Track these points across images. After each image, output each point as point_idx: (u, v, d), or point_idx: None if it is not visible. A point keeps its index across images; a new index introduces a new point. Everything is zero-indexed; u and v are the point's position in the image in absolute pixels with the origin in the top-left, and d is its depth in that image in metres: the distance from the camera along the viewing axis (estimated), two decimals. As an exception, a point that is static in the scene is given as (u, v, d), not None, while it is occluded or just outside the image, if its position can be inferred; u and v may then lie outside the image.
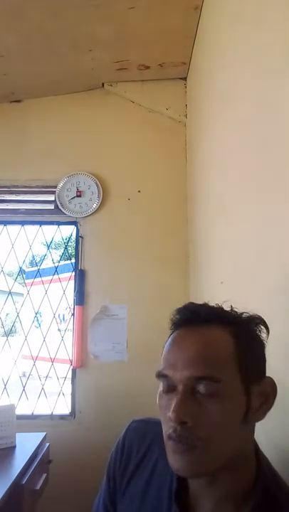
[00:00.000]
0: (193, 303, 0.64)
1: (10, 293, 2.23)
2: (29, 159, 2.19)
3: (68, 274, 2.19)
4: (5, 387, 2.10)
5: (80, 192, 2.13)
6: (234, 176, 1.22)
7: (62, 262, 2.53)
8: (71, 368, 2.04)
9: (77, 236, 2.16)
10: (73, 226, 2.20)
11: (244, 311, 0.63)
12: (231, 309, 0.63)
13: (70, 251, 2.26)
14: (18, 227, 2.23)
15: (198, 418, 0.53)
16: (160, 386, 0.60)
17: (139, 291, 2.06)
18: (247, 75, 1.08)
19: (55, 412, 2.03)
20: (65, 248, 2.29)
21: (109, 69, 2.09)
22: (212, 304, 0.65)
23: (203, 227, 1.74)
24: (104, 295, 2.07)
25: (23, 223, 2.22)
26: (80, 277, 2.09)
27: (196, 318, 0.60)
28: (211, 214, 1.57)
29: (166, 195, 2.16)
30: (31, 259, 2.43)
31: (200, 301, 0.69)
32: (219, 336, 0.57)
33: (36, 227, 2.23)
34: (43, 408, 2.04)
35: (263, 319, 0.62)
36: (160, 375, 0.59)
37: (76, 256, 2.14)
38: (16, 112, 2.25)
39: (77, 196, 2.13)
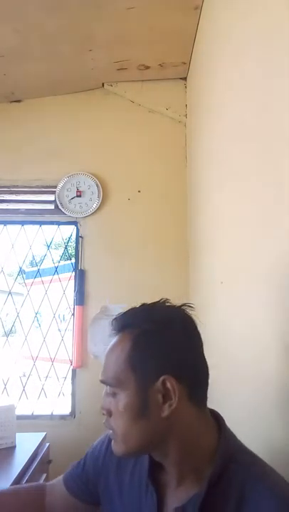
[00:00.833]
0: (127, 310, 0.72)
1: (10, 293, 2.23)
2: (29, 159, 2.19)
3: (68, 274, 2.19)
4: (5, 387, 2.10)
5: (80, 192, 2.13)
6: (234, 176, 1.22)
7: (62, 262, 2.53)
8: (71, 368, 2.03)
9: (77, 236, 2.16)
10: (73, 226, 2.20)
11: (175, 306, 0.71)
12: (158, 308, 0.70)
13: (70, 251, 2.26)
14: (18, 227, 2.23)
15: (110, 410, 0.66)
16: None
17: (139, 291, 2.06)
18: (247, 74, 1.07)
19: (55, 412, 2.03)
20: (65, 248, 2.29)
21: (109, 69, 2.09)
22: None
23: (203, 227, 1.74)
24: (104, 295, 2.07)
25: (23, 223, 2.22)
26: (80, 277, 2.09)
27: (115, 327, 0.70)
28: (211, 214, 1.57)
29: (166, 195, 2.16)
30: (31, 259, 2.42)
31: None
32: (120, 342, 0.67)
33: (36, 227, 2.23)
34: (43, 408, 2.04)
35: (180, 319, 0.68)
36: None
37: (76, 256, 2.14)
38: (16, 112, 2.25)
39: (77, 196, 2.13)
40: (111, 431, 0.66)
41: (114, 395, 0.65)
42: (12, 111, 2.24)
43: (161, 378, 0.63)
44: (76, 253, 2.15)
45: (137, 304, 0.72)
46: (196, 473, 0.64)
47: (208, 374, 0.68)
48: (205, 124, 1.70)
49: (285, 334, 0.80)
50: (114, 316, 0.72)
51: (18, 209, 2.21)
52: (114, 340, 0.68)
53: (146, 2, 1.63)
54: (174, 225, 2.13)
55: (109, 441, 0.76)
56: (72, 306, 2.11)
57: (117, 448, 0.66)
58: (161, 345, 0.65)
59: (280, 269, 0.84)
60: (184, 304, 0.70)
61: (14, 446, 1.50)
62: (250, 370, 1.03)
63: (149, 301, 0.74)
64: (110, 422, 0.66)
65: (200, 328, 0.70)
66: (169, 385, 0.63)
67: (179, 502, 0.63)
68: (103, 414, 0.67)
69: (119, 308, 2.28)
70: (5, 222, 2.22)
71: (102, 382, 0.67)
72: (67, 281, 2.19)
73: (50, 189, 2.16)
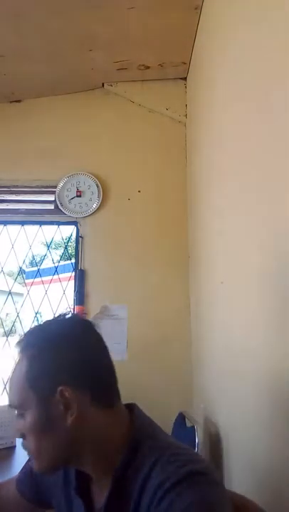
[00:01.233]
0: (27, 331, 0.74)
1: (10, 293, 2.23)
2: (29, 159, 2.19)
3: (68, 274, 2.19)
4: (5, 387, 2.10)
5: (80, 192, 2.13)
6: (234, 176, 1.22)
7: (62, 262, 2.53)
8: (71, 368, 2.03)
9: (77, 236, 2.15)
10: (73, 226, 2.20)
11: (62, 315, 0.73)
12: (53, 324, 0.73)
13: (70, 251, 2.26)
14: (18, 227, 2.23)
15: (22, 432, 0.67)
16: None
17: (139, 291, 2.06)
18: (247, 74, 1.07)
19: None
20: (65, 248, 2.29)
21: (109, 69, 2.09)
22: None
23: (203, 227, 1.74)
24: (104, 295, 2.07)
25: (23, 223, 2.22)
26: (80, 277, 2.09)
27: (17, 349, 0.71)
28: (211, 214, 1.57)
29: (166, 195, 2.16)
30: (31, 259, 2.42)
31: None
32: (19, 363, 0.69)
33: (36, 227, 2.23)
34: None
35: (74, 330, 0.71)
36: None
37: (76, 256, 2.14)
38: (16, 112, 2.25)
39: (77, 196, 2.13)
40: (27, 451, 0.68)
41: (22, 416, 0.67)
42: (12, 111, 2.24)
43: (58, 389, 0.65)
44: (76, 253, 2.15)
45: (41, 322, 0.75)
46: (110, 472, 0.65)
47: (114, 371, 0.72)
48: (205, 124, 1.70)
49: (285, 334, 0.80)
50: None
51: (18, 209, 2.21)
52: (15, 362, 0.70)
53: (146, 2, 1.63)
54: (174, 225, 2.13)
55: None
56: (72, 306, 2.11)
57: (36, 465, 0.67)
58: (54, 360, 0.67)
59: (279, 269, 0.84)
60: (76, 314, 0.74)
61: (14, 446, 1.50)
62: (250, 368, 1.03)
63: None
64: (24, 443, 0.67)
65: (99, 330, 0.73)
66: (67, 394, 0.65)
67: (101, 499, 0.66)
68: (19, 437, 0.69)
69: (119, 308, 2.30)
70: (5, 222, 2.22)
71: (9, 406, 0.68)
72: (67, 281, 2.19)
73: (50, 189, 2.16)
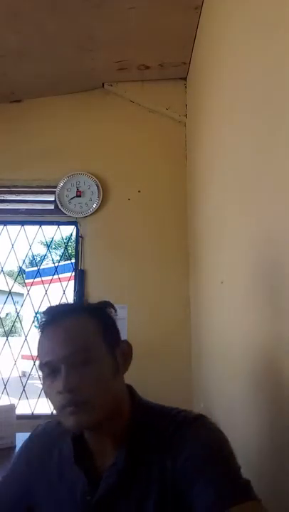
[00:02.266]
0: (52, 306, 0.79)
1: (10, 293, 2.23)
2: (29, 159, 2.19)
3: (68, 274, 2.19)
4: (5, 387, 2.10)
5: (80, 192, 2.13)
6: (234, 176, 1.22)
7: (62, 262, 2.53)
8: (71, 367, 2.03)
9: (77, 236, 2.16)
10: (73, 226, 2.20)
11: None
12: (86, 301, 0.78)
13: (70, 251, 2.26)
14: (18, 227, 2.23)
15: (80, 383, 0.68)
16: (41, 375, 0.73)
17: (139, 291, 2.06)
18: (247, 74, 1.08)
19: (55, 412, 2.02)
20: (65, 248, 2.29)
21: (109, 69, 2.09)
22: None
23: (203, 227, 1.74)
24: (104, 295, 2.06)
25: (23, 223, 2.22)
26: (80, 277, 2.09)
27: (59, 315, 0.74)
28: (211, 213, 1.57)
29: (166, 195, 2.16)
30: (31, 259, 2.42)
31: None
32: (82, 319, 0.74)
33: (36, 227, 2.23)
34: (43, 408, 2.03)
35: (111, 303, 0.82)
36: (42, 365, 0.72)
37: (76, 256, 2.14)
38: (16, 112, 2.25)
39: (77, 196, 2.13)
40: (72, 407, 0.67)
41: (84, 365, 0.69)
42: (12, 111, 2.24)
43: (123, 342, 0.77)
44: (76, 253, 2.15)
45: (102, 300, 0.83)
46: (120, 440, 0.71)
47: None
48: (205, 124, 1.70)
49: (285, 333, 0.80)
50: (42, 311, 0.78)
51: (18, 209, 2.21)
52: (68, 321, 0.73)
53: (146, 2, 1.63)
54: (174, 225, 2.13)
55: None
56: (72, 306, 2.11)
57: (89, 417, 0.68)
58: (113, 321, 0.79)
59: (279, 269, 0.84)
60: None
61: (14, 446, 1.50)
62: (250, 368, 1.03)
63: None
64: (78, 396, 0.67)
65: None
66: (125, 346, 0.77)
67: (107, 465, 0.71)
68: (71, 391, 0.67)
69: (119, 308, 2.28)
70: (5, 222, 2.22)
71: (71, 354, 0.69)
72: (67, 281, 2.19)
73: (50, 189, 2.16)
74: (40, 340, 0.75)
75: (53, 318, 0.74)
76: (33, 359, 2.15)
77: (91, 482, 0.71)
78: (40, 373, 0.74)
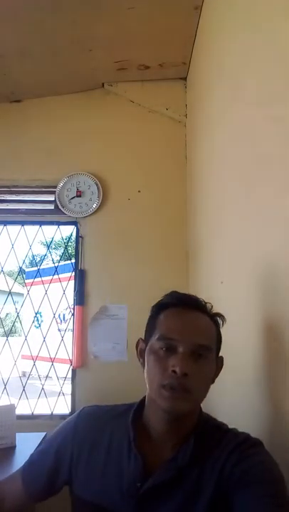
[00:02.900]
0: (177, 291, 0.83)
1: (10, 293, 2.23)
2: (29, 159, 2.19)
3: (68, 274, 2.19)
4: (5, 387, 2.10)
5: (80, 192, 2.13)
6: (234, 176, 1.22)
7: (62, 262, 2.53)
8: (71, 368, 2.03)
9: (77, 236, 2.15)
10: (73, 226, 2.20)
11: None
12: (204, 301, 0.83)
13: (70, 251, 2.26)
14: (18, 227, 2.23)
15: (193, 372, 0.71)
16: (153, 347, 0.77)
17: (139, 291, 2.06)
18: (247, 74, 1.08)
19: (55, 412, 2.02)
20: (65, 248, 2.29)
21: (109, 69, 2.09)
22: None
23: (203, 227, 1.74)
24: (104, 295, 2.07)
25: (23, 223, 2.22)
26: (80, 277, 2.09)
27: (190, 302, 0.80)
28: (211, 214, 1.57)
29: (166, 195, 2.16)
30: (31, 259, 2.43)
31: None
32: (209, 321, 0.79)
33: (36, 227, 2.23)
34: (43, 408, 2.04)
35: (221, 314, 0.83)
36: (163, 337, 0.75)
37: (76, 256, 2.14)
38: (16, 112, 2.24)
39: (77, 196, 2.13)
40: (179, 391, 0.71)
41: (199, 359, 0.73)
42: (12, 111, 2.24)
43: (220, 356, 0.82)
44: (76, 253, 2.14)
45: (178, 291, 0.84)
46: (185, 437, 0.75)
47: None
48: (205, 124, 1.70)
49: (285, 333, 0.80)
50: (170, 293, 0.83)
51: (18, 209, 2.21)
52: (203, 317, 0.78)
53: (146, 2, 1.63)
54: (174, 225, 2.13)
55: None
56: (72, 306, 2.11)
57: (186, 406, 0.72)
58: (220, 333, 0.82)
59: (279, 269, 0.84)
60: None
61: (14, 446, 1.50)
62: (250, 368, 1.03)
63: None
64: (187, 383, 0.71)
65: None
66: (221, 362, 0.82)
67: (166, 458, 0.73)
68: (184, 375, 0.71)
69: (119, 308, 2.29)
70: (5, 222, 2.22)
71: (201, 346, 0.74)
72: (67, 281, 2.19)
73: (50, 189, 2.16)
74: (167, 313, 0.78)
75: (187, 303, 0.79)
76: (33, 359, 2.16)
77: (145, 469, 0.73)
78: (150, 344, 0.78)
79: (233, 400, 1.19)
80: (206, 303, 0.82)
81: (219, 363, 0.81)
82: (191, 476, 0.71)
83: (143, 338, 0.84)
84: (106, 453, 0.78)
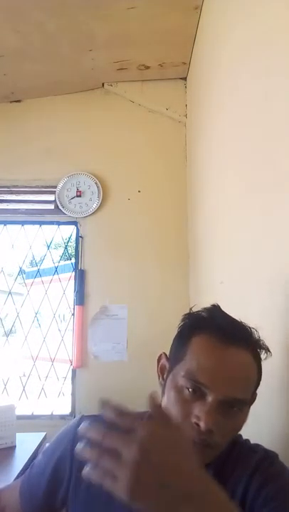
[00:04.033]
0: (221, 310, 0.71)
1: (10, 293, 2.23)
2: (29, 159, 2.19)
3: (68, 274, 2.19)
4: (5, 387, 2.10)
5: (80, 192, 2.13)
6: (234, 176, 1.22)
7: (62, 262, 2.53)
8: (71, 367, 2.03)
9: (77, 236, 2.15)
10: (73, 226, 2.20)
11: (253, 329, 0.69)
12: (250, 328, 0.68)
13: (70, 251, 2.26)
14: (18, 227, 2.23)
15: (220, 427, 0.60)
16: (178, 380, 0.64)
17: (139, 291, 2.06)
18: (247, 74, 1.08)
19: (55, 412, 2.03)
20: (65, 248, 2.29)
21: (109, 69, 2.09)
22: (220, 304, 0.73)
23: (203, 227, 1.74)
24: (104, 295, 2.07)
25: (23, 223, 2.22)
26: (80, 277, 2.09)
27: (233, 333, 0.64)
28: (211, 214, 1.57)
29: (166, 195, 2.16)
30: (31, 259, 2.42)
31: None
32: (250, 360, 0.63)
33: (36, 227, 2.23)
34: (43, 408, 2.04)
35: (267, 347, 0.68)
36: (193, 378, 0.62)
37: (76, 256, 2.14)
38: (16, 112, 2.25)
39: (77, 196, 2.13)
40: (200, 445, 0.60)
41: (230, 411, 0.61)
42: (12, 111, 2.24)
43: (255, 393, 0.67)
44: (76, 253, 2.15)
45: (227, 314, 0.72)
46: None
47: None
48: (205, 124, 1.70)
49: (285, 332, 0.80)
50: (209, 311, 0.71)
51: (18, 209, 2.21)
52: (244, 355, 0.63)
53: (146, 2, 1.63)
54: (174, 225, 2.13)
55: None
56: (72, 306, 2.11)
57: (206, 459, 0.62)
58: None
59: (279, 269, 0.84)
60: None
61: (14, 446, 1.50)
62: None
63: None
64: (211, 439, 0.60)
65: None
66: (255, 397, 0.67)
67: None
68: (209, 431, 0.60)
69: (119, 308, 2.29)
70: (5, 222, 2.22)
71: (237, 400, 0.61)
72: (67, 281, 2.19)
73: (50, 189, 2.16)
74: (203, 343, 0.64)
75: (230, 333, 0.64)
76: (33, 359, 2.16)
77: None
78: (175, 373, 0.66)
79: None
80: (251, 330, 0.67)
81: (253, 399, 0.67)
82: None
83: (166, 353, 0.72)
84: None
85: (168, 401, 0.65)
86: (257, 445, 0.70)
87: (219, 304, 0.73)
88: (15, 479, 1.23)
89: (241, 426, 0.65)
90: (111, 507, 0.62)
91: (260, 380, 0.66)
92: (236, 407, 0.61)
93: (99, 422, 0.69)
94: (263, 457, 0.66)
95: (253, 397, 0.66)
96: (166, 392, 0.66)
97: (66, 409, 2.03)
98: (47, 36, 1.79)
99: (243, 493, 0.63)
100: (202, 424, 0.59)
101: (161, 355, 0.74)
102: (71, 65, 2.03)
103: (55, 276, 2.34)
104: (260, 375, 0.66)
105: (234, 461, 0.66)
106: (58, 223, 2.21)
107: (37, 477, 0.75)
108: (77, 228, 2.16)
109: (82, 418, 0.76)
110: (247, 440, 0.72)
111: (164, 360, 0.73)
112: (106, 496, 0.60)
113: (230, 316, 0.69)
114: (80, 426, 0.54)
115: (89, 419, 0.71)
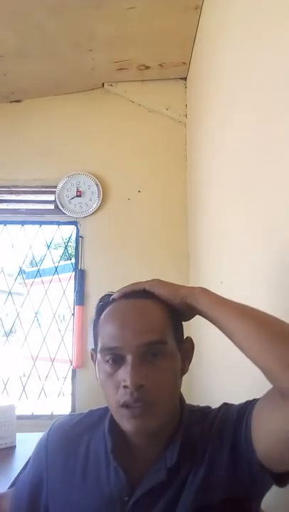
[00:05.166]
0: (132, 284, 0.73)
1: (10, 293, 2.23)
2: (29, 159, 2.19)
3: (68, 274, 2.19)
4: (5, 387, 2.10)
5: (80, 192, 2.13)
6: (234, 176, 1.22)
7: (62, 262, 2.53)
8: (71, 367, 2.03)
9: (77, 236, 2.15)
10: (73, 226, 2.20)
11: None
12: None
13: (70, 251, 2.26)
14: (18, 227, 2.23)
15: (150, 379, 0.60)
16: (100, 361, 0.65)
17: (139, 291, 2.06)
18: (247, 74, 1.07)
19: (55, 412, 2.02)
20: (65, 248, 2.29)
21: (109, 69, 2.09)
22: None
23: (203, 227, 1.74)
24: (105, 295, 2.07)
25: (23, 223, 2.22)
26: (80, 277, 2.09)
27: (129, 293, 0.68)
28: (212, 213, 1.57)
29: (166, 195, 2.16)
30: (31, 259, 2.42)
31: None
32: (156, 306, 0.65)
33: (36, 227, 2.23)
34: (43, 408, 2.03)
35: None
36: (106, 349, 0.63)
37: (76, 256, 2.14)
38: (16, 112, 2.25)
39: (77, 196, 2.13)
40: (138, 408, 0.59)
41: (154, 360, 0.61)
42: (12, 111, 2.24)
43: (187, 338, 0.69)
44: (76, 253, 2.15)
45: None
46: (167, 443, 0.65)
47: None
48: (205, 124, 1.70)
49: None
50: (105, 294, 0.72)
51: (18, 209, 2.21)
52: (142, 302, 0.66)
53: (146, 2, 1.63)
54: (174, 225, 2.13)
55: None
56: (72, 306, 2.11)
57: (152, 422, 0.61)
58: (178, 312, 0.68)
59: (279, 268, 0.84)
60: None
61: (14, 446, 1.50)
62: (250, 367, 1.03)
63: None
64: (145, 395, 0.59)
65: None
66: (189, 343, 0.69)
67: (148, 463, 0.64)
68: (139, 386, 0.59)
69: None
70: (5, 222, 2.22)
71: (151, 344, 0.61)
72: (67, 281, 2.19)
73: (50, 189, 2.16)
74: (104, 318, 0.66)
75: (123, 295, 0.67)
76: (33, 359, 2.16)
77: (128, 481, 0.63)
78: (97, 357, 0.66)
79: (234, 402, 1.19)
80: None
81: (187, 346, 0.69)
82: (182, 472, 0.63)
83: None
84: (82, 467, 0.68)
85: (102, 385, 0.65)
86: (204, 407, 0.72)
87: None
88: (15, 479, 1.23)
89: (175, 368, 0.64)
90: (85, 500, 0.65)
91: (177, 322, 0.67)
92: (158, 353, 0.61)
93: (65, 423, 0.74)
94: (209, 412, 0.69)
95: (183, 341, 0.68)
96: (98, 378, 0.66)
97: (66, 409, 2.03)
98: (47, 36, 1.79)
99: (216, 452, 0.63)
100: (129, 384, 0.58)
101: (91, 352, 0.74)
102: (71, 65, 2.03)
103: (55, 276, 2.34)
104: (176, 317, 0.67)
105: (202, 431, 0.66)
106: (58, 223, 2.21)
107: (21, 483, 0.76)
108: (77, 228, 2.16)
109: (55, 422, 0.78)
110: (196, 406, 0.73)
111: (93, 355, 0.72)
112: (78, 492, 0.65)
113: (129, 285, 0.71)
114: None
115: (60, 420, 0.78)
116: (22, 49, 1.86)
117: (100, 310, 0.69)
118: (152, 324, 0.63)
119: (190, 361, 0.69)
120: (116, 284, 0.74)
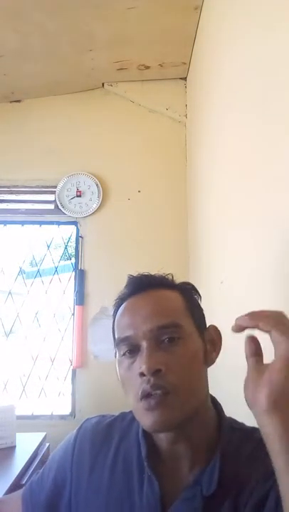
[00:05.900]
0: (135, 276, 0.68)
1: (10, 293, 2.23)
2: (29, 159, 2.19)
3: (68, 274, 2.19)
4: (5, 387, 2.10)
5: (80, 192, 2.13)
6: (234, 176, 1.22)
7: (62, 262, 2.53)
8: (71, 367, 2.03)
9: (77, 236, 2.16)
10: (73, 226, 2.20)
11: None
12: (168, 276, 0.70)
13: (70, 251, 2.26)
14: (18, 227, 2.23)
15: (168, 364, 0.56)
16: (118, 358, 0.62)
17: (139, 291, 2.06)
18: (247, 74, 1.07)
19: (55, 412, 2.03)
20: (65, 248, 2.29)
21: (109, 69, 2.09)
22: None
23: (203, 227, 1.74)
24: (104, 295, 2.07)
25: (23, 223, 2.22)
26: (80, 277, 2.09)
27: (142, 286, 0.64)
28: (211, 214, 1.57)
29: (166, 195, 2.16)
30: (31, 259, 2.42)
31: (201, 301, 0.71)
32: (169, 294, 0.64)
33: (36, 227, 2.23)
34: (43, 408, 2.03)
35: (195, 287, 0.71)
36: (121, 340, 0.61)
37: (76, 256, 2.14)
38: (16, 112, 2.25)
39: (77, 196, 2.13)
40: (159, 391, 0.55)
41: (171, 345, 0.57)
42: (12, 111, 2.24)
43: (210, 327, 0.66)
44: (76, 253, 2.15)
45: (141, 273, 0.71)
46: (206, 451, 0.59)
47: None
48: (205, 124, 1.70)
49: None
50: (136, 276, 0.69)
51: (18, 209, 2.21)
52: (155, 292, 0.63)
53: (146, 2, 1.63)
54: (174, 225, 2.13)
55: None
56: (72, 306, 2.11)
57: (173, 413, 0.55)
58: (199, 304, 0.67)
59: (280, 269, 0.84)
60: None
61: (14, 446, 1.50)
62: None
63: None
64: (162, 380, 0.55)
65: None
66: (213, 332, 0.65)
67: (187, 481, 0.58)
68: (156, 372, 0.55)
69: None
70: (5, 222, 2.22)
71: (164, 327, 0.58)
72: (67, 281, 2.19)
73: (50, 189, 2.16)
74: (119, 312, 0.64)
75: (139, 288, 0.64)
76: (33, 359, 2.16)
77: (161, 495, 0.57)
78: (116, 352, 0.63)
79: (234, 402, 1.19)
80: (165, 276, 0.68)
81: (211, 334, 0.64)
82: (217, 500, 0.55)
83: None
84: (109, 473, 0.63)
85: (122, 383, 0.62)
86: (252, 429, 0.61)
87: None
88: (14, 480, 1.23)
89: (195, 354, 0.60)
90: (110, 506, 0.61)
91: (196, 309, 0.65)
92: (173, 336, 0.58)
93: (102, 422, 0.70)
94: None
95: (206, 329, 0.64)
96: (119, 377, 0.63)
97: (66, 410, 2.03)
98: (47, 36, 1.79)
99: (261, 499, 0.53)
100: (144, 369, 0.55)
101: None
102: (71, 65, 2.03)
103: (55, 276, 2.34)
104: (194, 304, 0.66)
105: (248, 459, 0.57)
106: (58, 223, 2.21)
107: (39, 483, 0.72)
108: (77, 228, 2.16)
109: (86, 421, 0.73)
110: (242, 424, 0.65)
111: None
112: (104, 495, 0.62)
113: (142, 274, 0.68)
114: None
115: (92, 420, 0.72)
116: (22, 49, 1.86)
117: (115, 308, 0.68)
118: (163, 308, 0.61)
119: (217, 351, 0.64)
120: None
